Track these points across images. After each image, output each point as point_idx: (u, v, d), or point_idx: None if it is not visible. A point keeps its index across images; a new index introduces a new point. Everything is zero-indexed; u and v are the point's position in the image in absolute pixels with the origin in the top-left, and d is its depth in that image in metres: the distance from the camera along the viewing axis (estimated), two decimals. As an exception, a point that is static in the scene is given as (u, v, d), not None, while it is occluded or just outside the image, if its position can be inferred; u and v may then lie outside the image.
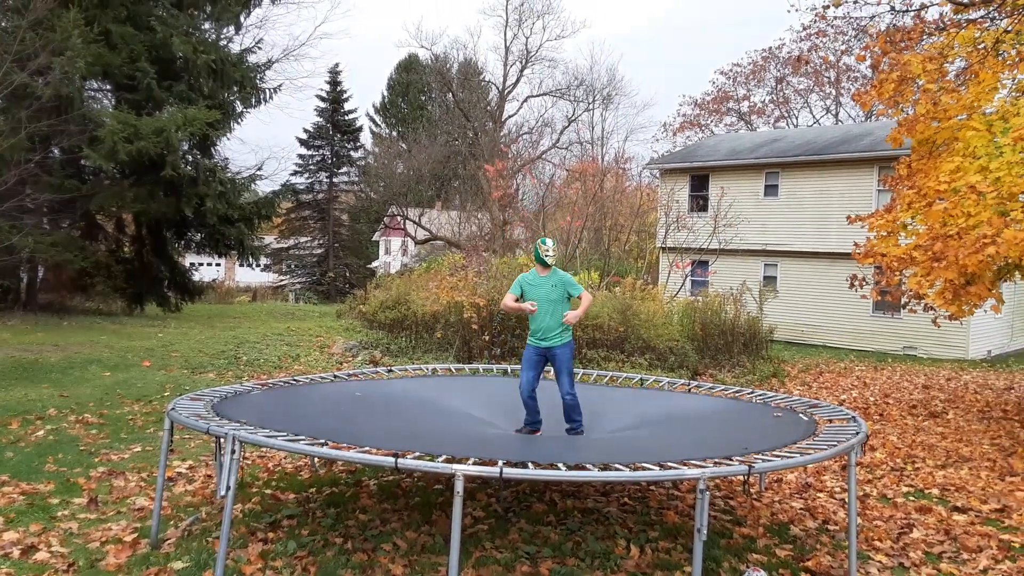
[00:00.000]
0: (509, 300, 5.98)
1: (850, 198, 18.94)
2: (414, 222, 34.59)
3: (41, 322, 16.30)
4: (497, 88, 41.62)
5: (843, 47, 32.50)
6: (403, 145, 41.13)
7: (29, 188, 16.23)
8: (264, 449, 6.91)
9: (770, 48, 40.32)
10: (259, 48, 21.54)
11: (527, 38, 46.88)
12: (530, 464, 3.92)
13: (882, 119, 22.02)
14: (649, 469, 3.92)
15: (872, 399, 11.43)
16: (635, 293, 14.56)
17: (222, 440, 4.09)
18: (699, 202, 22.40)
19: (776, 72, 40.59)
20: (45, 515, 5.16)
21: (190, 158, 19.46)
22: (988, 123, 9.11)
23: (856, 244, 10.40)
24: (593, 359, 12.33)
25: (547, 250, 5.88)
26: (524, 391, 5.74)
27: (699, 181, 22.65)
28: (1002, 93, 9.87)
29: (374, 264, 47.01)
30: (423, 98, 46.73)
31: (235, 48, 20.82)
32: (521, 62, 40.58)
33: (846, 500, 4.86)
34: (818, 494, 6.24)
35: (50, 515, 5.17)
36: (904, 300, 11.81)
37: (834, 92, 40.01)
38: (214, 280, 32.14)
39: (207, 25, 20.58)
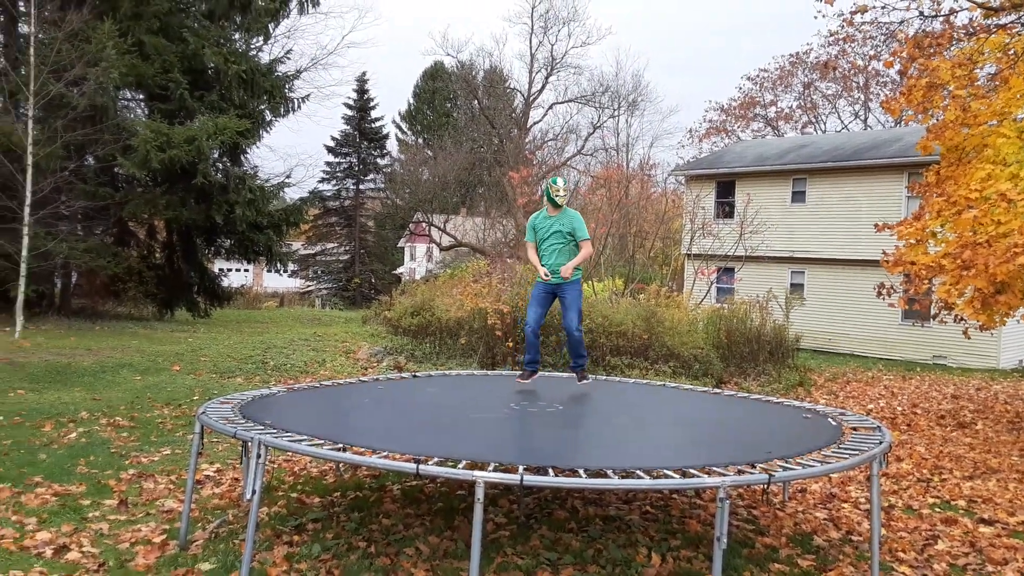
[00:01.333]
0: (530, 251, 6.21)
1: (879, 205, 18.74)
2: (439, 228, 34.81)
3: (74, 327, 16.64)
4: (522, 95, 41.79)
5: (871, 52, 32.15)
6: (429, 152, 41.45)
7: (64, 195, 16.60)
8: (290, 453, 7.01)
9: (797, 53, 39.98)
10: (288, 58, 21.82)
11: (552, 45, 47.04)
12: (551, 471, 3.94)
13: (911, 124, 21.79)
14: (670, 477, 3.93)
15: (900, 409, 11.30)
16: (660, 300, 14.52)
17: (248, 444, 4.17)
18: (725, 208, 22.29)
19: (804, 77, 40.30)
20: (77, 516, 5.29)
21: (220, 166, 19.79)
22: (1019, 130, 9.00)
23: (884, 252, 10.31)
24: (617, 366, 12.32)
25: (558, 190, 6.04)
26: (529, 327, 5.90)
27: (725, 187, 22.54)
28: (1033, 99, 9.73)
29: (399, 270, 47.33)
30: (449, 105, 47.03)
31: (265, 58, 21.15)
32: (546, 69, 40.73)
33: (870, 511, 4.82)
34: (843, 504, 6.19)
35: (81, 516, 5.29)
36: (934, 311, 11.68)
37: (863, 97, 39.63)
38: (242, 286, 32.53)
39: (237, 36, 20.93)
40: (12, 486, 5.83)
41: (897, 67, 12.15)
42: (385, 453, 4.20)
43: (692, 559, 4.76)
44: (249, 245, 20.82)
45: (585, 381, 6.51)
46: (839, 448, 4.62)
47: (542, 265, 6.17)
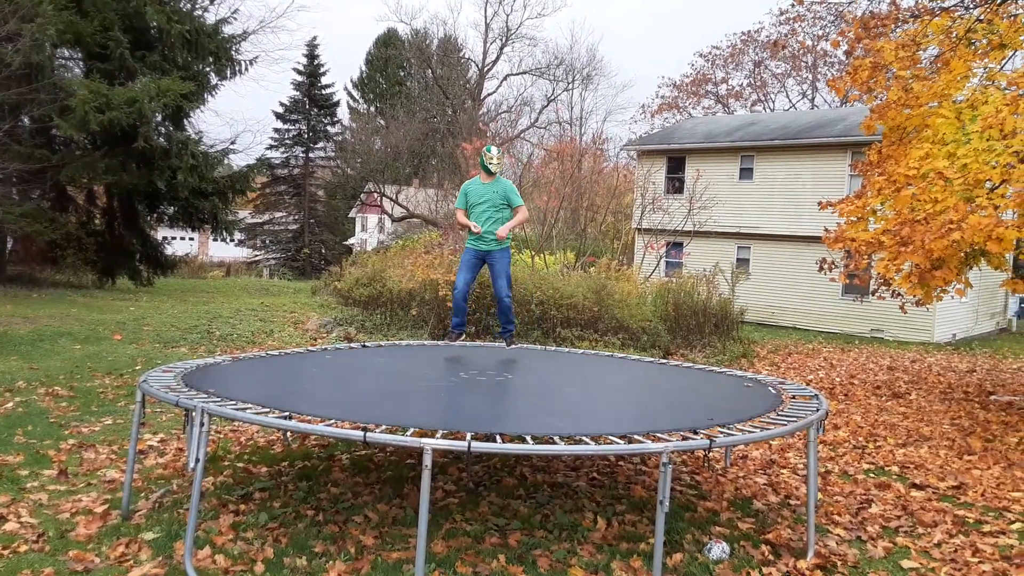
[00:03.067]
0: (460, 214, 6.33)
1: (823, 183, 19.16)
2: (391, 199, 34.41)
3: (10, 294, 16.07)
4: (476, 65, 41.41)
5: (820, 32, 32.65)
6: (381, 121, 40.83)
7: (-3, 157, 15.95)
8: (236, 423, 6.93)
9: (749, 31, 40.43)
10: (235, 19, 21.38)
11: (507, 15, 46.90)
12: (498, 438, 3.98)
13: (856, 105, 22.27)
14: (615, 443, 4.01)
15: (838, 380, 11.67)
16: (610, 274, 14.68)
17: (191, 412, 4.11)
18: (675, 184, 22.54)
19: (754, 56, 40.76)
20: (14, 486, 5.16)
21: (163, 130, 19.20)
22: (958, 111, 9.26)
23: (827, 229, 10.55)
24: (567, 338, 12.44)
25: (492, 158, 6.16)
26: (459, 291, 6.07)
27: (676, 163, 22.77)
28: (972, 81, 10.02)
29: (350, 241, 46.75)
30: (402, 74, 46.31)
31: (210, 19, 20.49)
32: (501, 40, 40.40)
33: (807, 476, 4.99)
34: (782, 470, 6.40)
35: (19, 486, 5.16)
36: (873, 287, 12.03)
37: (811, 77, 40.30)
38: (187, 254, 31.77)
39: (181, -6, 20.22)
40: (-56, 456, 5.65)
41: (844, 47, 12.37)
42: (332, 421, 4.18)
43: (636, 523, 4.87)
44: (193, 212, 20.33)
45: (513, 347, 6.63)
46: (778, 415, 4.76)
47: (472, 235, 6.30)
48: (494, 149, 6.19)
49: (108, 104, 16.31)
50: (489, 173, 6.17)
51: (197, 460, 3.97)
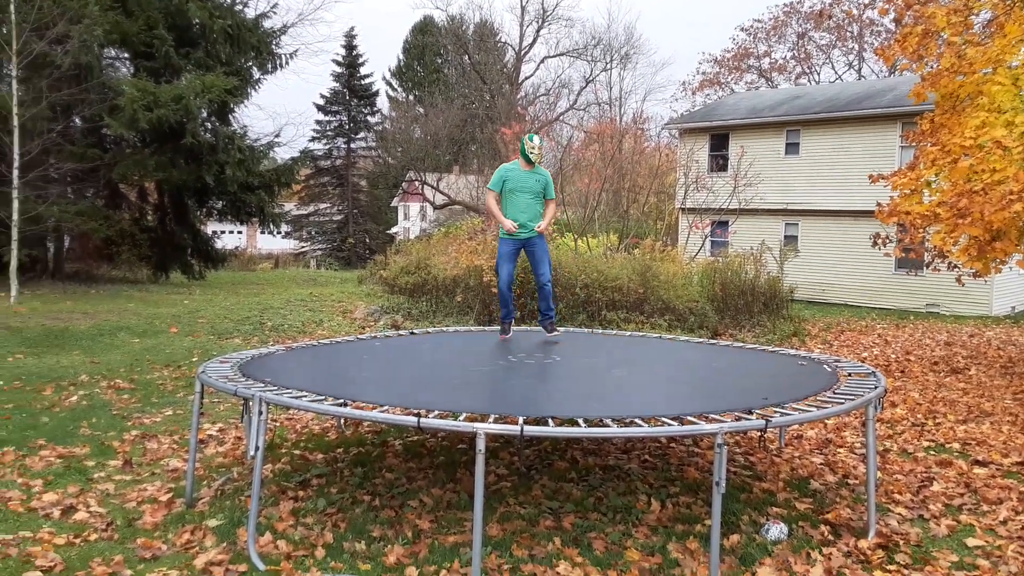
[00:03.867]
0: (491, 201, 6.23)
1: (873, 155, 18.67)
2: (432, 187, 34.55)
3: (69, 291, 16.59)
4: (513, 49, 41.21)
5: (866, 0, 31.73)
6: (420, 109, 40.95)
7: (52, 158, 16.42)
8: (291, 411, 7.07)
9: (791, 3, 39.41)
10: (274, 12, 21.45)
11: (543, -3, 46.22)
12: (550, 421, 3.98)
13: (906, 74, 21.60)
14: (668, 425, 3.98)
15: (894, 356, 11.41)
16: (654, 255, 14.53)
17: (250, 401, 4.20)
18: (719, 162, 22.19)
19: (798, 27, 39.82)
20: (82, 477, 5.34)
21: (209, 125, 19.56)
22: (1014, 76, 8.93)
23: (879, 203, 10.29)
24: (613, 320, 12.38)
25: (533, 147, 6.09)
26: (504, 283, 6.02)
27: (719, 140, 22.40)
28: (1029, 45, 9.64)
29: (393, 230, 47.14)
30: (439, 61, 46.31)
31: (250, 13, 20.76)
32: (537, 22, 40.13)
33: (866, 455, 4.90)
34: (838, 450, 6.29)
35: (87, 477, 5.34)
36: (928, 259, 11.72)
37: (857, 47, 39.22)
38: (236, 247, 32.38)
39: (222, -10, 20.51)
40: (16, 449, 5.87)
41: (892, 15, 12.02)
42: (386, 408, 4.24)
43: (691, 504, 4.84)
44: (241, 206, 20.69)
45: (555, 333, 6.59)
46: (835, 394, 4.68)
47: (510, 219, 6.21)
48: (536, 138, 6.13)
49: (156, 102, 16.66)
50: (529, 162, 6.12)
51: (257, 448, 4.06)
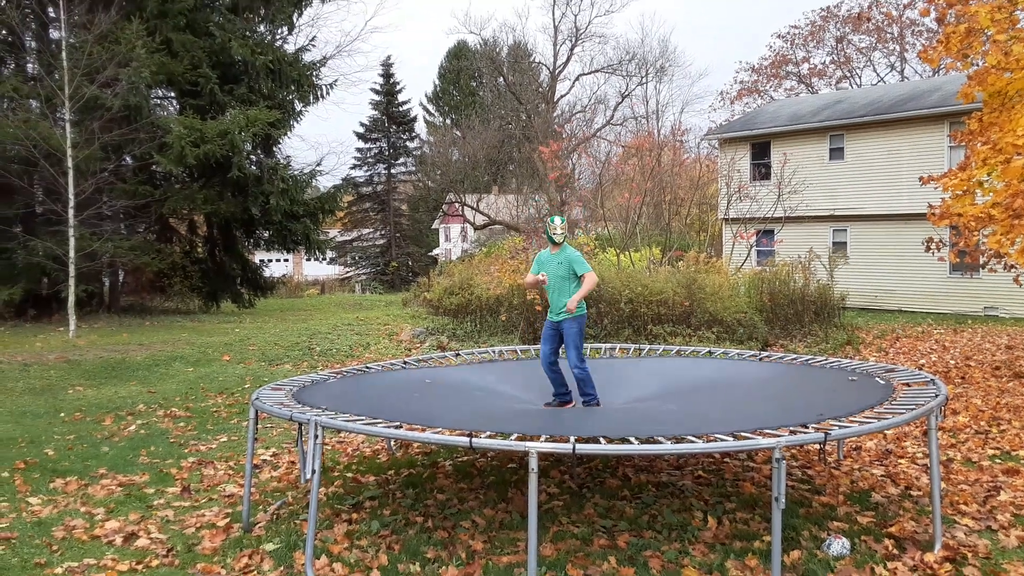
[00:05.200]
0: (530, 277, 6.18)
1: (921, 157, 18.27)
2: (472, 208, 34.78)
3: (125, 323, 17.06)
4: (548, 68, 41.41)
5: (906, 0, 31.20)
6: (457, 132, 41.34)
7: (105, 196, 16.97)
8: (343, 435, 7.13)
9: (828, 7, 38.91)
10: (313, 46, 22.01)
11: (575, 15, 46.61)
12: (602, 439, 3.95)
13: (951, 73, 21.11)
14: (722, 440, 3.91)
15: (953, 362, 11.08)
16: (699, 267, 14.39)
17: (304, 426, 4.25)
18: (761, 170, 21.91)
19: (836, 31, 39.27)
20: (142, 504, 5.45)
21: (254, 158, 20.03)
22: (1066, 70, 8.67)
23: (930, 205, 10.05)
24: (659, 335, 12.26)
25: (555, 228, 5.97)
26: (544, 363, 5.90)
27: (760, 149, 22.15)
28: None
29: (435, 252, 47.52)
30: (474, 84, 46.77)
31: (290, 48, 21.29)
32: (571, 40, 40.30)
33: (928, 465, 4.75)
34: (899, 460, 6.11)
35: (147, 504, 5.45)
36: (983, 260, 11.38)
37: (898, 48, 38.50)
38: (284, 275, 32.95)
39: (262, 28, 21.10)
40: (79, 478, 6.03)
41: (933, 15, 11.75)
42: (438, 429, 4.25)
43: (748, 520, 4.74)
44: (287, 235, 21.08)
45: (593, 406, 6.33)
46: (894, 403, 4.55)
47: (550, 306, 6.11)
48: (557, 219, 6.01)
49: (202, 138, 17.14)
50: (555, 243, 6.04)
51: (313, 472, 4.11)
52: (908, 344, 13.23)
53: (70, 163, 14.83)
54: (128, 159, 18.59)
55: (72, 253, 14.70)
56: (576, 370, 5.76)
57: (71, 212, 14.82)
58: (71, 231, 14.78)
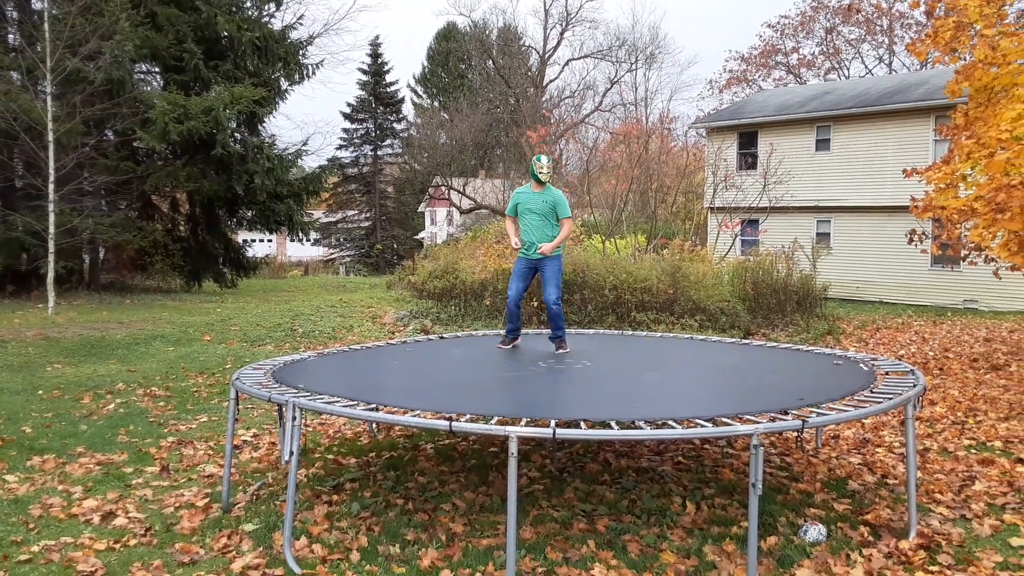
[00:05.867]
0: (508, 225, 6.41)
1: (906, 150, 18.37)
2: (458, 191, 34.67)
3: (105, 301, 16.90)
4: (537, 53, 41.24)
5: (896, -8, 31.24)
6: (445, 115, 41.12)
7: (86, 171, 16.74)
8: (324, 416, 7.11)
9: (818, -2, 38.92)
10: (300, 24, 21.80)
11: (567, 0, 46.23)
12: (582, 424, 3.96)
13: (938, 67, 21.20)
14: (702, 426, 3.93)
15: (932, 353, 11.20)
16: (683, 255, 14.43)
17: (284, 407, 4.23)
18: (748, 160, 21.97)
19: (826, 23, 39.32)
20: (121, 483, 5.42)
21: (238, 136, 19.82)
22: (1051, 66, 8.72)
23: (913, 198, 10.12)
24: (643, 322, 12.31)
25: (541, 167, 6.14)
26: (511, 299, 6.11)
27: (747, 138, 22.20)
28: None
29: (420, 235, 47.36)
30: (463, 67, 46.48)
31: (277, 25, 21.02)
32: (561, 24, 40.14)
33: (905, 454, 4.81)
34: (876, 449, 6.18)
35: (125, 483, 5.42)
36: (964, 253, 11.49)
37: (887, 41, 38.62)
38: (267, 256, 32.75)
39: (248, 3, 20.79)
40: (56, 456, 5.98)
41: (923, 8, 11.78)
42: (418, 412, 4.24)
43: (726, 506, 4.78)
44: (270, 215, 20.92)
45: (563, 350, 6.46)
46: (872, 393, 4.59)
47: (522, 239, 6.25)
48: (544, 158, 6.15)
49: (186, 114, 16.92)
50: (539, 182, 6.15)
51: (291, 453, 4.09)
52: (888, 335, 13.36)
53: (51, 137, 14.60)
54: (110, 134, 18.34)
55: (52, 229, 14.50)
56: (555, 306, 6.04)
57: (51, 187, 14.60)
58: (51, 206, 14.57)
